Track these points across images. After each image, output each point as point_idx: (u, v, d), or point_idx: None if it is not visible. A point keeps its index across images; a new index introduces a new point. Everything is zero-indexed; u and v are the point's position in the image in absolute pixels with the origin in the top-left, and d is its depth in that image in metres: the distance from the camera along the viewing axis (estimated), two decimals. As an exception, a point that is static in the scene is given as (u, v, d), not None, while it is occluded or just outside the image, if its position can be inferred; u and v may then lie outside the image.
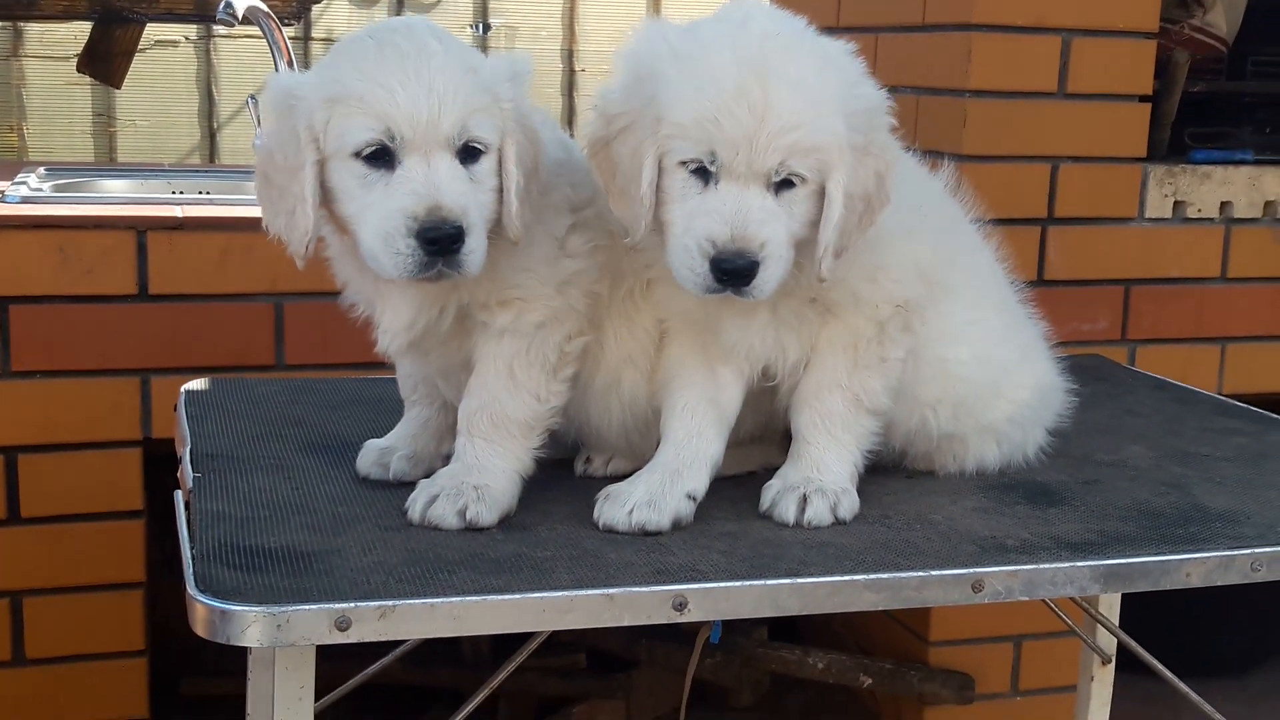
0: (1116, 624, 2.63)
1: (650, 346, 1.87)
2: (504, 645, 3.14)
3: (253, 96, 3.46)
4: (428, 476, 1.86)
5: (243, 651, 3.42)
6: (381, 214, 1.65)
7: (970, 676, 3.34)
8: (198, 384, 2.39)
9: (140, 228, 2.75)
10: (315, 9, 5.00)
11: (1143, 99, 3.27)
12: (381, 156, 1.66)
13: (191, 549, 1.63)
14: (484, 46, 5.24)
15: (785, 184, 1.68)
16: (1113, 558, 1.73)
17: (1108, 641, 2.67)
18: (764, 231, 1.66)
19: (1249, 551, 1.76)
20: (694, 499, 1.78)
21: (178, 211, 2.82)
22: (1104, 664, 2.69)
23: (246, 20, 3.30)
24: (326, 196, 1.71)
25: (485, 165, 1.70)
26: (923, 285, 1.85)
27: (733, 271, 1.65)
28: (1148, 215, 3.34)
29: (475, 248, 1.65)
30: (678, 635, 3.35)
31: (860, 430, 1.86)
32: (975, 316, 1.95)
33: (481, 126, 1.68)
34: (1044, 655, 3.44)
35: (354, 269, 1.80)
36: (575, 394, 1.84)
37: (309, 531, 1.71)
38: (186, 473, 1.91)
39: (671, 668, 3.48)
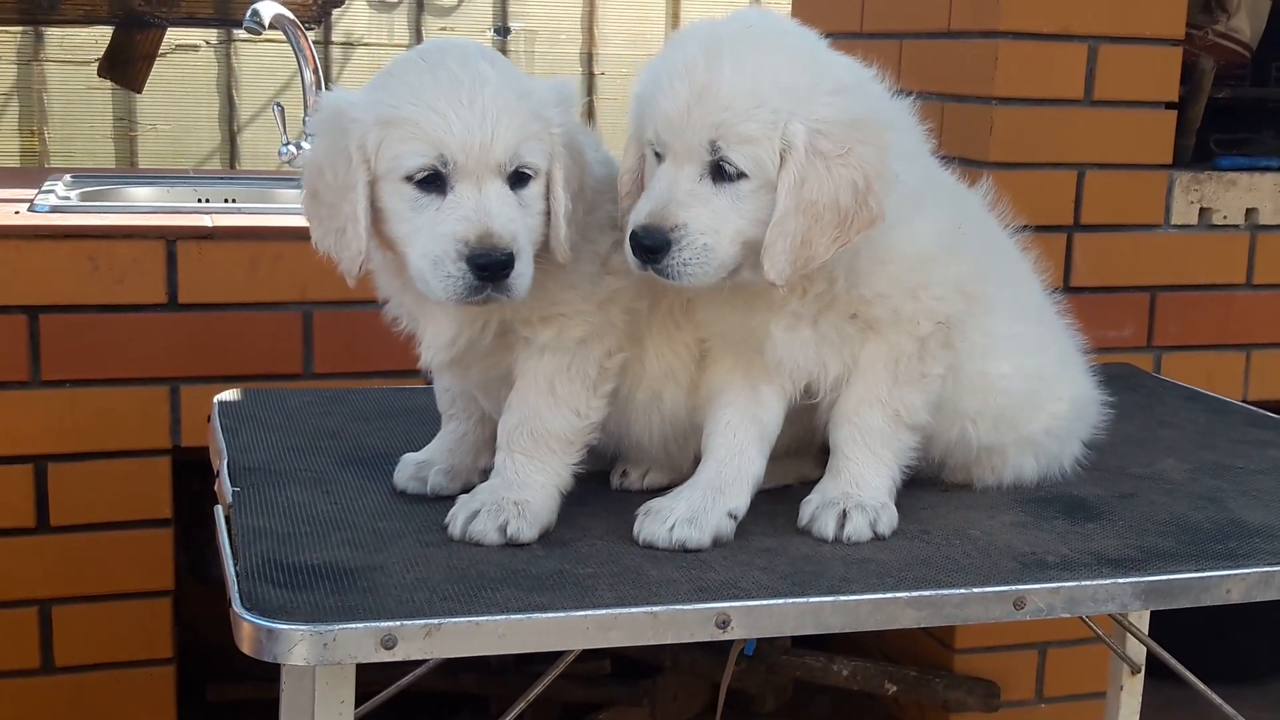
0: (1146, 633, 2.63)
1: (690, 362, 1.87)
2: (529, 653, 3.16)
3: (278, 104, 3.46)
4: (465, 491, 1.87)
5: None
6: (432, 238, 1.66)
7: (995, 684, 3.34)
8: (230, 395, 2.39)
9: (170, 237, 2.76)
10: (335, 13, 5.01)
11: (1169, 106, 3.27)
12: (434, 181, 1.66)
13: (235, 566, 1.64)
14: (504, 50, 5.24)
15: (723, 173, 1.68)
16: (1153, 574, 1.73)
17: (1137, 651, 2.67)
18: (682, 214, 1.67)
19: (1291, 567, 1.76)
20: (735, 517, 1.79)
21: (207, 221, 2.83)
22: (1133, 673, 2.69)
23: (272, 27, 3.30)
24: (375, 216, 1.71)
25: (534, 190, 1.71)
26: (964, 301, 1.85)
27: (651, 248, 1.67)
28: (1173, 222, 3.33)
29: (524, 272, 1.66)
30: (702, 642, 3.35)
31: (899, 446, 1.86)
32: (1015, 330, 1.95)
33: (532, 152, 1.69)
34: (1069, 662, 3.43)
35: (397, 285, 1.81)
36: (616, 408, 1.85)
37: (351, 548, 1.71)
38: (225, 487, 1.91)
39: (696, 674, 3.48)
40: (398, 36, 5.13)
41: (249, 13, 3.24)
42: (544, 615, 1.54)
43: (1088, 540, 1.83)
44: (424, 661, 2.43)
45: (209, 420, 2.32)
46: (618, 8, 5.33)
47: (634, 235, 1.68)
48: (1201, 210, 3.35)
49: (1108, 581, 1.71)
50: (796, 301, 1.78)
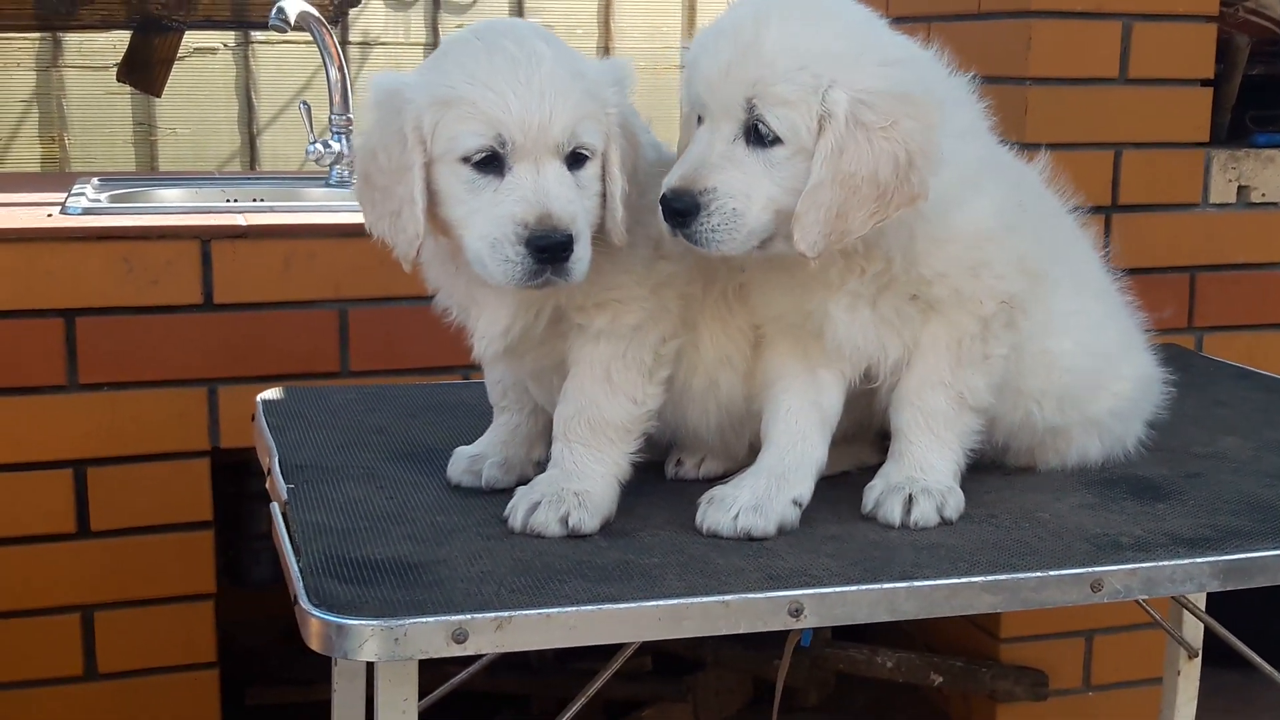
0: (1204, 612, 2.59)
1: (746, 347, 1.84)
2: (571, 651, 3.13)
3: (304, 102, 3.44)
4: (520, 483, 1.83)
5: (313, 661, 3.42)
6: (490, 219, 1.62)
7: (1044, 673, 3.30)
8: (273, 393, 2.36)
9: (204, 237, 2.73)
10: (351, 12, 4.98)
11: (1204, 83, 3.23)
12: (491, 162, 1.63)
13: (298, 562, 1.61)
14: (521, 46, 5.21)
15: (759, 136, 1.64)
16: (1230, 553, 1.70)
17: (1193, 635, 2.63)
18: (713, 177, 1.64)
19: (1368, 544, 1.72)
20: (799, 505, 1.75)
21: (240, 220, 2.80)
22: (1190, 658, 2.65)
23: (297, 26, 3.27)
24: (430, 199, 1.68)
25: (590, 171, 1.68)
26: (1026, 280, 1.81)
27: (680, 211, 1.64)
28: (1212, 201, 3.30)
29: (583, 255, 1.63)
30: (743, 636, 3.32)
31: (963, 428, 1.82)
32: (1077, 306, 1.92)
33: (589, 132, 1.66)
34: (1117, 649, 3.40)
35: (449, 273, 1.78)
36: (671, 396, 1.81)
37: (412, 542, 1.68)
38: (278, 484, 1.88)
39: (737, 669, 3.45)
40: (414, 35, 5.10)
41: (274, 11, 3.21)
42: (615, 606, 1.51)
43: (1160, 521, 1.80)
44: (477, 659, 2.40)
45: (253, 419, 2.29)
46: (634, 3, 5.29)
47: (664, 198, 1.65)
48: (1240, 188, 3.31)
49: (1185, 561, 1.67)
50: (855, 281, 1.74)
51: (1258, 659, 2.30)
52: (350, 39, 5.02)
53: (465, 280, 1.74)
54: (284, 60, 4.92)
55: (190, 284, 2.74)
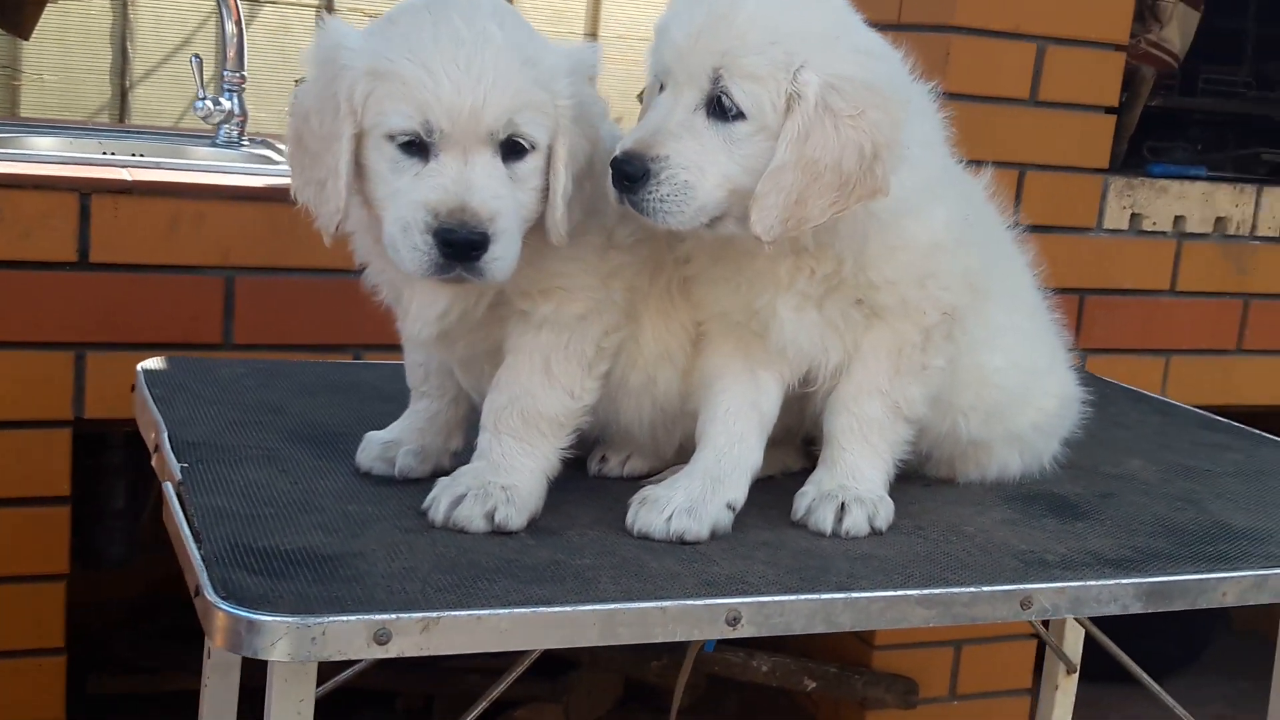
0: (1072, 635, 2.62)
1: (687, 344, 1.77)
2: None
3: (196, 55, 3.26)
4: (435, 474, 1.75)
5: (161, 649, 3.25)
6: (406, 203, 1.53)
7: (914, 681, 3.31)
8: (154, 363, 2.22)
9: (84, 190, 2.56)
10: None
11: (1108, 110, 3.27)
12: (418, 145, 1.54)
13: (199, 549, 1.49)
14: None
15: (721, 109, 1.58)
16: (1152, 575, 1.69)
17: (1072, 651, 2.65)
18: (669, 145, 1.57)
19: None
20: (733, 509, 1.70)
21: (125, 175, 2.64)
22: (1069, 673, 2.67)
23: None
24: (358, 173, 1.58)
25: (530, 164, 1.58)
26: (969, 294, 1.79)
27: (629, 175, 1.57)
28: (1106, 226, 3.34)
29: (502, 254, 1.53)
30: (619, 635, 3.26)
31: (895, 438, 1.79)
32: (1011, 323, 1.90)
33: (530, 123, 1.56)
34: (983, 660, 3.43)
35: (378, 250, 1.67)
36: (606, 391, 1.74)
37: (323, 532, 1.58)
38: (169, 462, 1.76)
39: (611, 669, 3.39)
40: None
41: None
42: (549, 610, 1.43)
43: (1081, 539, 1.78)
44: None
45: (133, 390, 2.15)
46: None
47: (614, 160, 1.57)
48: (1133, 215, 3.36)
49: (1111, 582, 1.66)
50: (804, 281, 1.69)
51: (1142, 673, 2.32)
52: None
53: None
54: (165, 10, 4.71)
55: (65, 240, 2.56)
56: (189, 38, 4.83)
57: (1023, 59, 3.15)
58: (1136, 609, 1.67)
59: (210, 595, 1.38)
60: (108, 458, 3.06)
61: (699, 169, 1.57)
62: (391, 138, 1.55)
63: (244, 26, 3.29)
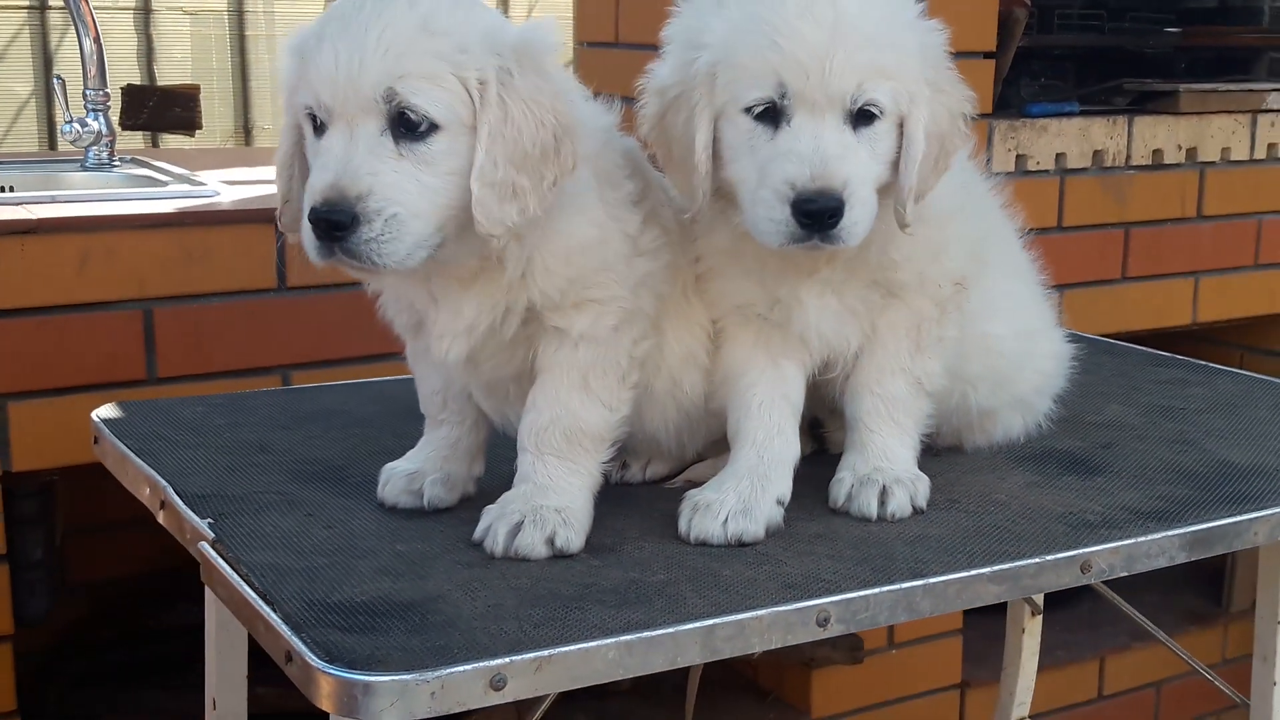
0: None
1: (708, 343, 1.75)
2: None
3: (59, 76, 3.07)
4: (462, 501, 1.70)
5: (92, 698, 3.09)
6: (308, 190, 1.48)
7: (859, 637, 3.36)
8: (109, 410, 2.10)
9: (-13, 234, 2.39)
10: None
11: (986, 55, 3.33)
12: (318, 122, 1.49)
13: (275, 611, 1.41)
14: (240, 11, 4.87)
15: (863, 117, 1.58)
16: (1190, 524, 1.74)
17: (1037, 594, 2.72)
18: (845, 167, 1.55)
19: (1306, 506, 1.81)
20: (782, 504, 1.69)
21: (26, 213, 2.47)
22: (1034, 615, 2.74)
23: (56, -9, 2.92)
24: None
25: (437, 145, 1.48)
26: (974, 262, 1.80)
27: (816, 212, 1.53)
28: (994, 169, 3.41)
29: (387, 237, 1.45)
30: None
31: (920, 414, 1.80)
32: (1008, 289, 1.92)
33: (420, 93, 1.45)
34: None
35: (397, 277, 1.60)
36: (634, 401, 1.70)
37: (389, 578, 1.51)
38: (192, 521, 1.66)
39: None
40: (124, -1, 4.69)
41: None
42: (652, 634, 1.40)
43: (1110, 495, 1.82)
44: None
45: (96, 443, 2.03)
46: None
47: (800, 203, 1.52)
48: (1018, 157, 3.44)
49: (1158, 536, 1.70)
50: (826, 267, 1.68)
51: (1112, 593, 2.41)
52: (50, 3, 4.58)
53: (422, 274, 1.57)
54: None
55: (-28, 287, 2.39)
56: (2, 52, 4.57)
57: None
58: (1181, 559, 1.72)
59: (313, 660, 1.31)
60: (18, 507, 2.88)
61: (868, 182, 1.57)
62: (308, 113, 1.51)
63: (103, 42, 3.10)
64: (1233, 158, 3.75)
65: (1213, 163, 3.72)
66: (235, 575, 1.50)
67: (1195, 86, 3.69)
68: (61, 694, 3.10)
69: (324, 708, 1.31)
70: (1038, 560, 1.62)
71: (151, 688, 3.14)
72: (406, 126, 1.47)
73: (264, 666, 1.92)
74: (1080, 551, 1.65)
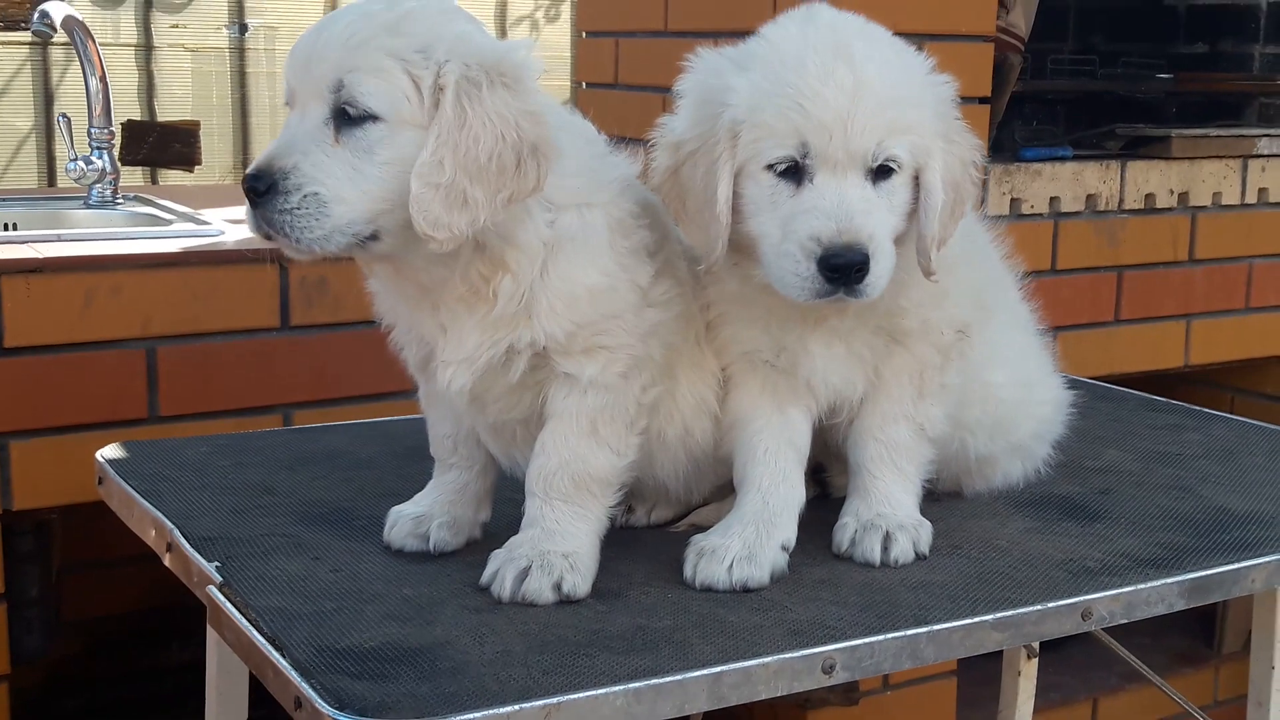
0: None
1: (719, 391, 1.76)
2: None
3: (64, 115, 3.09)
4: (467, 545, 1.72)
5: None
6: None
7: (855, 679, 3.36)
8: (113, 451, 2.11)
9: (-7, 273, 2.41)
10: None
11: (982, 101, 3.37)
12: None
13: (284, 657, 1.42)
14: (241, 49, 4.90)
15: (882, 171, 1.61)
16: (1187, 571, 1.76)
17: (1031, 635, 2.73)
18: (870, 222, 1.58)
19: (1302, 553, 1.82)
20: (787, 550, 1.70)
21: (33, 252, 2.49)
22: (1030, 658, 2.75)
23: (63, 28, 2.95)
24: None
25: (375, 134, 1.51)
26: (977, 309, 1.83)
27: (843, 267, 1.56)
28: (989, 213, 3.44)
29: (307, 224, 1.49)
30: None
31: (922, 460, 1.82)
32: (1009, 338, 1.95)
33: (363, 86, 1.51)
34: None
35: (404, 310, 1.66)
36: (644, 445, 1.71)
37: (397, 623, 1.52)
38: (198, 564, 1.67)
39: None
40: (125, 36, 4.71)
41: (37, 14, 2.88)
42: (660, 681, 1.42)
43: (1109, 542, 1.84)
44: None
45: (100, 483, 2.04)
46: (358, 3, 5.08)
47: (828, 258, 1.55)
48: (1012, 200, 3.47)
49: (1157, 584, 1.72)
50: (835, 316, 1.70)
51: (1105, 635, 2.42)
52: (55, 41, 4.59)
53: (430, 303, 1.61)
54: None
55: (-22, 326, 2.41)
56: (4, 88, 4.59)
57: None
58: (1180, 606, 1.74)
59: (324, 708, 1.32)
60: (15, 544, 2.89)
61: (889, 236, 1.60)
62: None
63: (109, 82, 3.13)
64: (1224, 202, 3.78)
65: (1204, 207, 3.76)
66: (244, 620, 1.51)
67: (1187, 132, 3.73)
68: (56, 731, 3.10)
69: (334, 755, 1.32)
70: (1039, 607, 1.64)
71: (146, 723, 3.15)
72: (347, 117, 1.50)
73: (262, 706, 1.94)
74: (1082, 599, 1.66)
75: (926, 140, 1.61)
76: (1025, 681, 2.77)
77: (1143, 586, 1.71)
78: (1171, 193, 3.70)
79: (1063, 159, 3.56)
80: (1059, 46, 4.40)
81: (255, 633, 1.48)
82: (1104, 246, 3.65)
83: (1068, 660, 3.96)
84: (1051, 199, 3.53)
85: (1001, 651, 2.75)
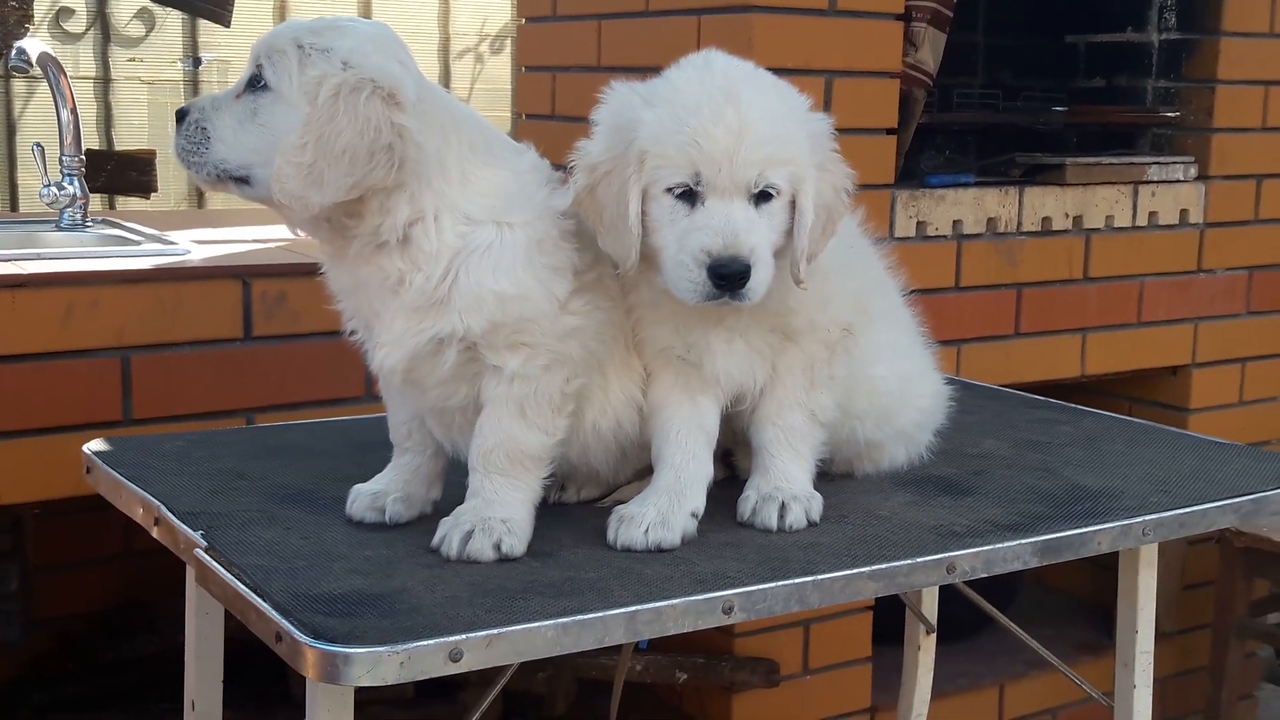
0: (930, 599, 3.00)
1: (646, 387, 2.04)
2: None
3: (38, 144, 3.33)
4: (419, 519, 1.98)
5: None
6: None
7: (775, 662, 3.64)
8: (98, 445, 2.35)
9: (-19, 287, 2.64)
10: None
11: (889, 131, 3.67)
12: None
13: (264, 601, 1.68)
14: (195, 81, 5.14)
15: (763, 196, 1.89)
16: (1042, 534, 2.04)
17: (929, 613, 3.02)
18: (751, 238, 1.86)
19: (1139, 520, 2.11)
20: (696, 516, 1.97)
21: (17, 269, 2.73)
22: (928, 634, 3.04)
23: (39, 65, 3.19)
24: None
25: (262, 101, 1.88)
26: (858, 312, 2.11)
27: (729, 275, 1.84)
28: (896, 234, 3.74)
29: (196, 154, 1.88)
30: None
31: (815, 441, 2.09)
32: (891, 339, 2.23)
33: (271, 63, 1.87)
34: (829, 635, 3.78)
35: (351, 288, 1.94)
36: (580, 438, 1.99)
37: (360, 576, 1.78)
38: (184, 533, 1.92)
39: (489, 682, 3.60)
40: (84, 69, 4.94)
41: (15, 50, 3.12)
42: (584, 617, 1.68)
43: (976, 511, 2.13)
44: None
45: (88, 472, 2.28)
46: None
47: (716, 268, 1.86)
48: (918, 223, 3.78)
49: (1014, 543, 2.00)
50: (731, 316, 1.98)
51: (1005, 619, 2.70)
52: (9, 70, 4.81)
53: (366, 294, 1.90)
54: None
55: (-33, 336, 2.64)
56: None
57: (814, 91, 3.48)
58: (1034, 563, 2.02)
59: (301, 637, 1.58)
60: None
61: (768, 248, 1.89)
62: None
63: (79, 114, 3.37)
64: (1116, 224, 4.11)
65: (1098, 229, 4.08)
66: (228, 574, 1.77)
67: (1081, 160, 4.06)
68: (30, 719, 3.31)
69: (309, 676, 1.57)
70: (909, 561, 1.92)
71: (113, 712, 3.35)
72: (255, 85, 1.87)
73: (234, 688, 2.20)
74: (946, 555, 1.95)
75: (801, 170, 1.90)
76: (925, 655, 3.05)
77: (1000, 545, 1.99)
78: (1067, 216, 4.02)
79: (965, 185, 3.88)
80: (969, 81, 4.72)
81: (240, 583, 1.74)
82: (1003, 266, 3.96)
83: (977, 650, 4.26)
84: (955, 221, 3.83)
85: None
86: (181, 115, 1.88)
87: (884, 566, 1.90)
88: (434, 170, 1.86)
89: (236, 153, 1.86)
